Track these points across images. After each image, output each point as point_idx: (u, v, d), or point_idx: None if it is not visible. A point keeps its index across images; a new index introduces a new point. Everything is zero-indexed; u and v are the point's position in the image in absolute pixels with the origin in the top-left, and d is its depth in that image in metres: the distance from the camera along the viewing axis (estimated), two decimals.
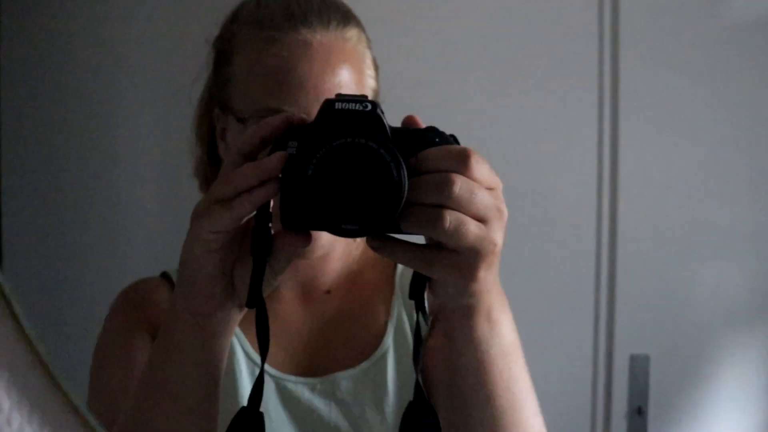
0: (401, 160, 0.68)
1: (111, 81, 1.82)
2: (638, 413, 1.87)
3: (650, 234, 1.88)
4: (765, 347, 1.92)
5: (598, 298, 1.87)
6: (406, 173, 0.68)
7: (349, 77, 0.98)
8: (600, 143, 1.87)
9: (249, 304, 0.76)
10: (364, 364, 1.03)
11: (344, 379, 1.02)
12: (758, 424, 1.92)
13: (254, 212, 0.74)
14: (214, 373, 0.82)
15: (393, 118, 0.75)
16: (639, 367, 1.87)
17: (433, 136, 0.72)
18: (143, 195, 1.83)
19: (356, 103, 0.71)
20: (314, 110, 0.91)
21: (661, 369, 1.88)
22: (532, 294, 1.85)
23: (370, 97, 1.00)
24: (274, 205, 0.74)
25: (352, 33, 1.01)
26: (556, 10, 1.86)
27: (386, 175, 0.67)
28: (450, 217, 0.68)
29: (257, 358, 1.03)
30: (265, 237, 0.74)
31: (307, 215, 0.70)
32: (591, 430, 1.88)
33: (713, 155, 1.89)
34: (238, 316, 0.82)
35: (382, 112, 0.71)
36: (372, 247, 0.73)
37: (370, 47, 1.06)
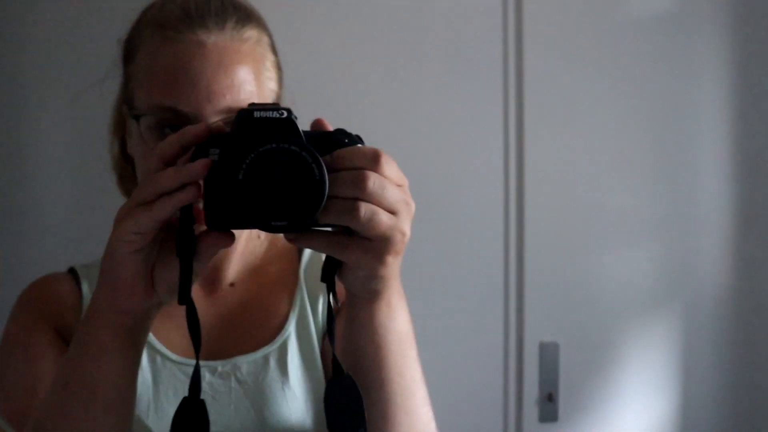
0: (321, 161, 0.73)
1: (21, 78, 1.80)
2: (549, 399, 1.92)
3: (556, 225, 1.93)
4: (668, 332, 1.99)
5: (508, 289, 1.92)
6: (326, 173, 0.73)
7: (245, 77, 1.00)
8: (506, 136, 1.91)
9: (181, 302, 0.81)
10: (266, 349, 1.06)
11: (245, 363, 1.05)
12: (664, 406, 2.00)
13: (177, 215, 0.78)
14: (132, 367, 0.85)
15: (303, 118, 0.79)
16: (548, 355, 1.92)
17: (343, 137, 0.78)
18: (52, 191, 1.81)
19: (273, 111, 0.76)
20: (206, 109, 0.96)
21: (570, 356, 1.94)
22: (443, 286, 1.89)
23: (270, 99, 1.04)
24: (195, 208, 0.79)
25: (250, 34, 1.03)
26: (461, 8, 1.90)
27: (309, 175, 0.73)
28: (365, 208, 0.74)
29: (158, 345, 1.07)
30: (190, 238, 0.79)
31: (235, 216, 0.76)
32: (504, 416, 1.92)
33: (616, 147, 1.96)
34: (156, 312, 0.86)
35: (296, 118, 0.76)
36: (289, 240, 0.78)
37: (273, 50, 1.09)
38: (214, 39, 1.00)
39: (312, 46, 1.83)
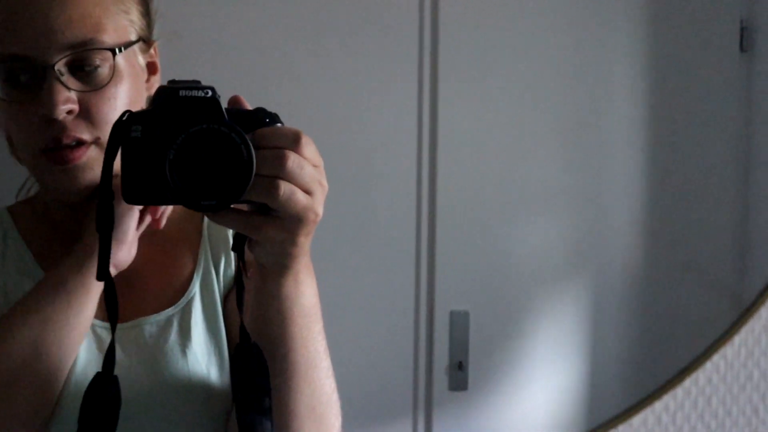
0: (249, 141, 0.76)
1: None
2: (459, 368, 1.93)
3: (468, 194, 1.94)
4: (577, 301, 2.02)
5: (419, 256, 1.92)
6: (254, 153, 0.76)
7: (85, 11, 0.97)
8: (419, 106, 1.91)
9: (99, 277, 0.85)
10: (170, 310, 1.05)
11: (148, 324, 1.04)
12: (572, 374, 2.03)
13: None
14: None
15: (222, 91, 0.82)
16: (459, 323, 1.93)
17: (264, 116, 0.82)
18: None
19: (198, 90, 0.79)
20: (46, 49, 0.94)
21: (480, 324, 1.95)
22: (355, 254, 1.88)
23: (124, 38, 1.02)
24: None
25: None
26: None
27: (238, 156, 0.76)
28: (284, 187, 0.77)
29: None
30: (109, 214, 0.84)
31: (157, 192, 0.78)
32: (414, 384, 1.93)
33: (527, 117, 1.97)
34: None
35: (219, 97, 0.79)
36: (209, 218, 0.81)
37: None
38: None
39: (219, 17, 1.78)
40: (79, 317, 0.96)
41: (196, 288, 1.07)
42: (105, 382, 0.87)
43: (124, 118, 0.81)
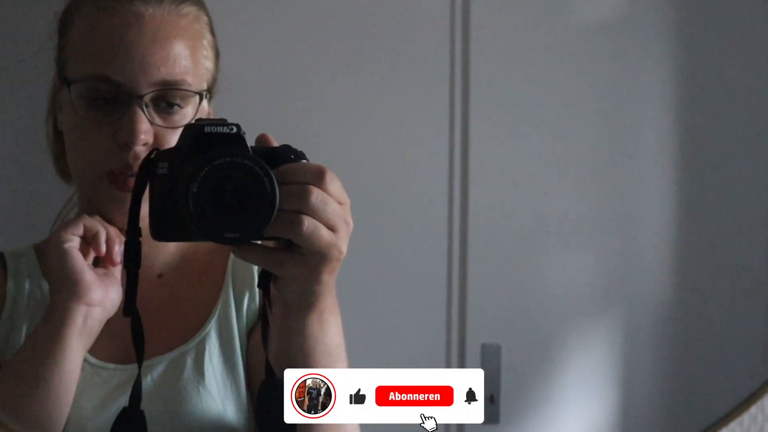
0: (272, 175, 0.76)
1: None
2: (490, 401, 1.92)
3: (500, 227, 1.94)
4: (609, 334, 2.00)
5: (450, 289, 1.92)
6: (277, 186, 0.76)
7: (180, 52, 1.00)
8: (451, 141, 1.92)
9: (126, 313, 0.89)
10: (182, 347, 1.05)
11: (160, 363, 1.03)
12: (606, 409, 2.01)
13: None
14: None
15: (244, 119, 0.83)
16: (490, 356, 1.93)
17: (289, 153, 0.82)
18: None
19: (223, 127, 0.80)
20: (139, 80, 0.98)
21: (512, 357, 1.94)
22: (386, 286, 1.89)
23: (205, 78, 1.05)
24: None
25: (188, 10, 1.04)
26: (407, 9, 1.89)
27: (261, 189, 0.76)
28: (307, 222, 0.77)
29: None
30: (138, 250, 0.88)
31: (184, 228, 0.79)
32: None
33: (560, 150, 1.97)
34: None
35: (244, 133, 0.80)
36: (232, 251, 0.82)
37: (210, 30, 1.09)
38: (152, 11, 1.00)
39: (255, 48, 1.81)
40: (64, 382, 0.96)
41: (212, 324, 1.06)
42: (132, 416, 0.89)
43: (152, 156, 0.83)
